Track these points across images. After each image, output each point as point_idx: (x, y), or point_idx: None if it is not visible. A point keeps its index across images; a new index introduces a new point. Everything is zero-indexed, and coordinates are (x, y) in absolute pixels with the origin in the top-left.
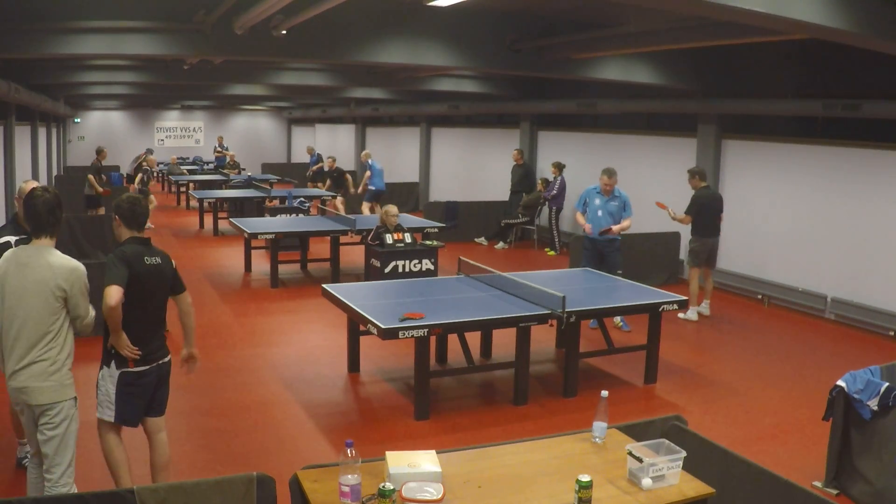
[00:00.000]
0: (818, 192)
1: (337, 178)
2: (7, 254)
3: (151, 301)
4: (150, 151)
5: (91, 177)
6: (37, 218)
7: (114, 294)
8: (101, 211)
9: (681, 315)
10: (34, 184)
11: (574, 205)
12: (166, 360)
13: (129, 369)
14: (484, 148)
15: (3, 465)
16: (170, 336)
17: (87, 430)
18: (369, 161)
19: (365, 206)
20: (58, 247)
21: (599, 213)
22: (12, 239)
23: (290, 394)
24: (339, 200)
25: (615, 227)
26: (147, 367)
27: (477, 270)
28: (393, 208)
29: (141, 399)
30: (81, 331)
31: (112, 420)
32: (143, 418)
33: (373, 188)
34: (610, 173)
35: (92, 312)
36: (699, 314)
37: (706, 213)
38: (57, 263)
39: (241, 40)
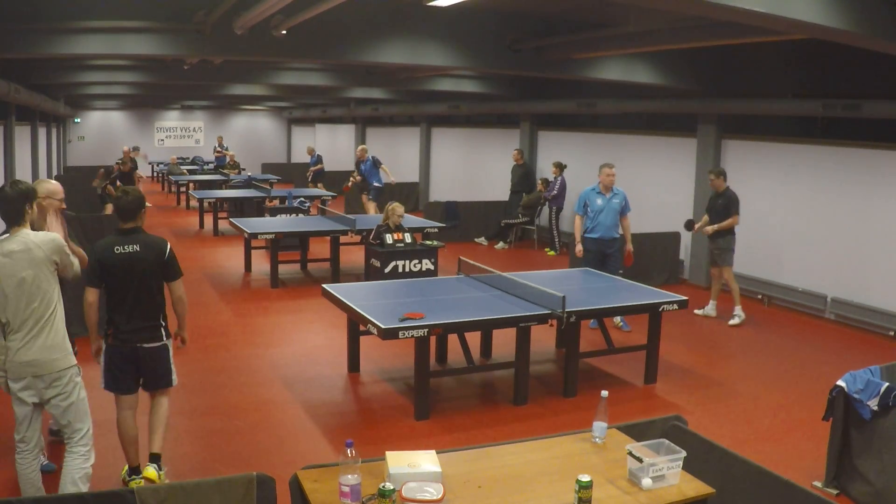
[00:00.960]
0: (818, 192)
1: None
2: None
3: (128, 286)
4: (135, 149)
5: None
6: (7, 211)
7: (88, 297)
8: (109, 209)
9: (733, 321)
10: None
11: (574, 208)
12: (151, 345)
13: (109, 343)
14: (484, 148)
15: (3, 466)
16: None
17: None
18: (369, 157)
19: (372, 206)
20: None
21: (604, 213)
22: None
23: (290, 394)
24: (367, 200)
25: (630, 248)
26: (123, 346)
27: (477, 270)
28: (400, 207)
29: (122, 373)
30: (73, 280)
31: (102, 386)
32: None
33: (378, 185)
34: (613, 164)
35: (75, 262)
36: (706, 315)
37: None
38: (41, 240)
39: (241, 40)
